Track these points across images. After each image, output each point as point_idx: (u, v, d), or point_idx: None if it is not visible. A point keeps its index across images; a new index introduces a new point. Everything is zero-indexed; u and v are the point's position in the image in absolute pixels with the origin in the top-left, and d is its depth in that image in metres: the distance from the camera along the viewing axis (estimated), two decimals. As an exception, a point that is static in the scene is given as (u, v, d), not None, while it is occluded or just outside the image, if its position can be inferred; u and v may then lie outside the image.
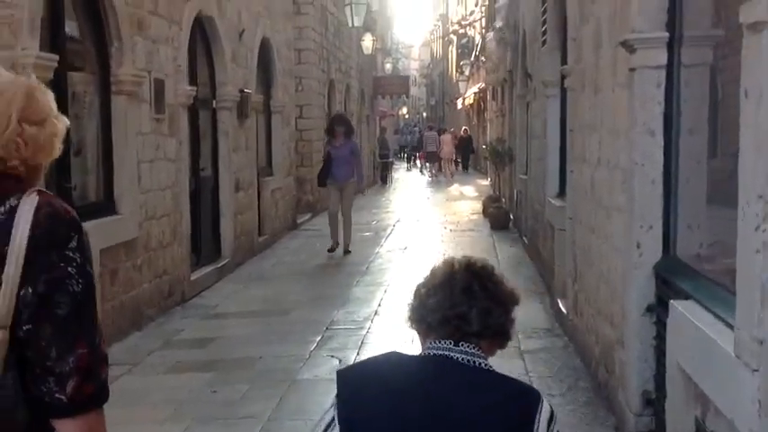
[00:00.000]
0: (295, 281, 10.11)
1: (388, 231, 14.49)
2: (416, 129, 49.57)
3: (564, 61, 8.35)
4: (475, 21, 32.43)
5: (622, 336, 4.74)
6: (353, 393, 1.83)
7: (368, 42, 21.96)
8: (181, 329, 7.74)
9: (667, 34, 4.30)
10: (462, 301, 1.85)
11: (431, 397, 1.78)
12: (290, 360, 6.61)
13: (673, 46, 4.30)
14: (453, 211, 17.77)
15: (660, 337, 4.26)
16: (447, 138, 30.92)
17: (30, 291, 1.59)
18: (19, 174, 1.69)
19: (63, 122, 1.78)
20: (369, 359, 2.03)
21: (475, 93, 31.05)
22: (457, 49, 40.02)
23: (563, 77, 8.23)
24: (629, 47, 4.40)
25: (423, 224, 15.58)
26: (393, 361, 1.92)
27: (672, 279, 4.14)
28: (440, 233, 14.10)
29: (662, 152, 4.33)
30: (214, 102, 10.35)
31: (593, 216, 5.79)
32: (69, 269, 1.63)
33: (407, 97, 46.24)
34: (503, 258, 11.08)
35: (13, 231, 1.59)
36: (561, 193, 8.55)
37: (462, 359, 1.83)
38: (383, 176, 27.71)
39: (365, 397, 1.82)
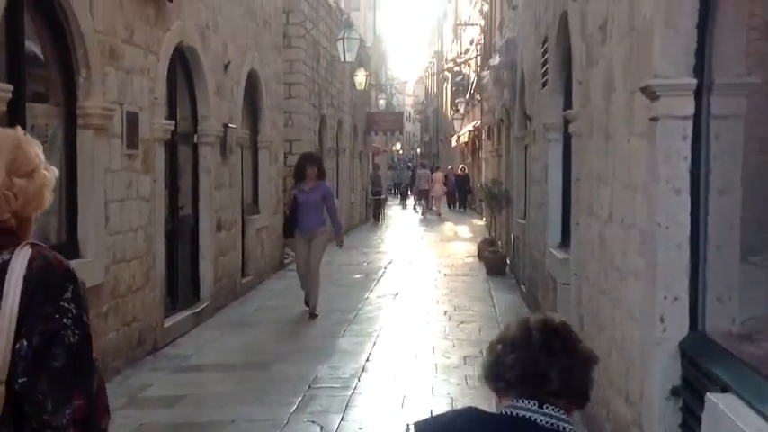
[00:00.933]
0: (278, 328, 9.48)
1: (380, 274, 13.88)
2: (410, 165, 49.14)
3: (567, 104, 7.84)
4: (470, 59, 32.12)
5: (640, 417, 4.14)
6: None
7: (361, 78, 21.46)
8: (149, 384, 7.09)
9: (695, 81, 3.77)
10: (542, 359, 1.80)
11: None
12: (266, 425, 5.98)
13: (701, 94, 3.77)
14: (447, 252, 17.18)
15: (688, 427, 3.67)
16: (438, 176, 31.53)
17: (25, 344, 1.62)
18: (10, 226, 1.73)
19: (52, 173, 1.84)
20: (446, 413, 1.98)
21: (470, 131, 30.63)
22: (452, 87, 39.72)
23: (566, 122, 7.72)
24: (650, 93, 3.86)
25: (415, 266, 14.98)
26: (472, 418, 1.86)
27: (702, 362, 3.56)
28: (433, 277, 13.50)
29: (689, 214, 3.77)
30: (195, 136, 9.80)
31: (603, 276, 5.21)
32: (65, 320, 1.66)
33: (401, 134, 45.89)
34: (500, 307, 10.48)
35: (6, 285, 1.63)
36: (563, 243, 8.00)
37: (547, 422, 1.77)
38: (376, 214, 27.14)
39: None
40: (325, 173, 10.57)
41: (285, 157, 15.70)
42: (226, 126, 10.47)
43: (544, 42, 8.92)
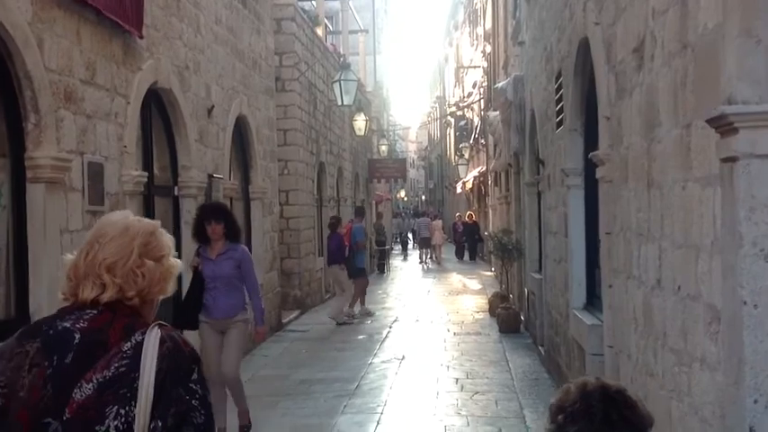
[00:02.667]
0: (269, 405, 8.34)
1: (384, 334, 12.80)
2: (406, 213, 48.12)
3: (589, 146, 6.91)
4: (473, 102, 31.39)
5: None
6: None
7: (361, 123, 20.52)
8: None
9: (787, 106, 2.82)
10: (603, 430, 1.83)
11: None
12: None
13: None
14: (456, 308, 16.10)
15: None
16: (438, 223, 31.27)
17: (159, 424, 1.74)
18: (134, 305, 1.90)
19: (178, 264, 2.03)
20: None
21: (475, 177, 29.70)
22: (455, 132, 38.99)
23: (589, 165, 6.78)
24: (724, 125, 2.91)
25: (422, 325, 13.86)
26: None
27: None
28: (442, 337, 12.41)
29: (786, 287, 2.79)
30: (176, 188, 8.88)
31: (651, 356, 4.21)
32: (193, 401, 1.78)
33: (404, 180, 45.08)
34: (517, 373, 9.42)
35: (141, 368, 1.76)
36: (590, 305, 7.01)
37: None
38: (380, 265, 26.09)
39: None
40: (239, 230, 7.20)
41: (281, 209, 14.81)
42: (211, 176, 9.56)
43: (558, 78, 8.03)
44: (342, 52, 21.40)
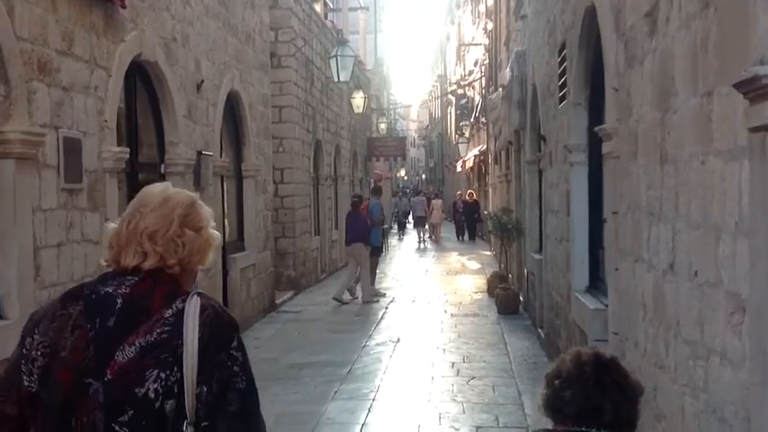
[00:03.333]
0: (260, 389, 8.06)
1: (380, 315, 12.48)
2: (407, 192, 47.60)
3: (594, 120, 6.56)
4: (474, 80, 30.94)
5: None
6: None
7: (359, 100, 20.01)
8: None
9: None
10: (596, 395, 1.97)
11: None
12: None
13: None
14: (454, 288, 15.78)
15: None
16: (437, 203, 30.94)
17: (205, 389, 1.79)
18: (174, 273, 1.93)
19: (217, 235, 2.06)
20: None
21: (475, 155, 29.27)
22: (456, 110, 38.54)
23: (593, 140, 6.44)
24: (756, 90, 2.55)
25: (419, 305, 13.55)
26: None
27: None
28: (439, 318, 12.09)
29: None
30: (162, 166, 8.52)
31: (662, 346, 3.88)
32: (235, 368, 1.84)
33: (404, 159, 44.71)
34: (515, 356, 9.12)
35: (184, 335, 1.81)
36: (593, 288, 6.69)
37: None
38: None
39: None
40: None
41: (276, 187, 14.46)
42: (200, 153, 9.20)
43: (561, 50, 7.66)
44: (341, 29, 20.92)
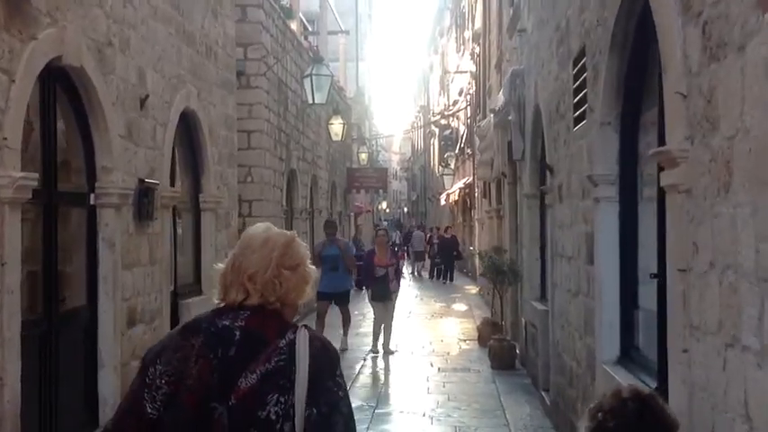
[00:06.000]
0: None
1: (357, 369, 10.83)
2: (384, 223, 46.04)
3: (628, 144, 5.16)
4: (459, 110, 29.71)
5: None
6: None
7: (337, 127, 18.48)
8: None
9: None
10: (638, 427, 2.08)
11: None
12: None
13: None
14: (440, 334, 14.23)
15: None
16: (419, 234, 30.69)
17: (314, 411, 1.98)
18: (275, 309, 2.15)
19: (313, 271, 2.26)
20: None
21: (460, 188, 27.85)
22: (440, 141, 37.32)
23: (625, 171, 5.06)
24: None
25: (402, 356, 11.96)
26: None
27: None
28: (425, 374, 10.52)
29: None
30: (92, 196, 7.02)
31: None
32: (340, 393, 2.06)
33: (385, 191, 43.30)
34: (516, 427, 7.63)
35: (297, 363, 2.02)
36: (625, 357, 5.23)
37: None
38: (358, 281, 24.14)
39: None
40: None
41: (243, 221, 12.95)
42: (142, 182, 7.70)
43: (577, 60, 6.28)
44: (318, 50, 19.56)
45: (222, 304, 2.20)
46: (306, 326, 2.15)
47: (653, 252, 4.73)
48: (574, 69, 6.44)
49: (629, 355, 5.21)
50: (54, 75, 6.24)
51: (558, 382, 7.50)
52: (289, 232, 2.25)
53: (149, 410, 2.04)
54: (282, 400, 1.97)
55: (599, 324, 5.44)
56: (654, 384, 4.44)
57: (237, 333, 2.06)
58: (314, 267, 2.26)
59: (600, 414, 2.13)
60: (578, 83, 6.25)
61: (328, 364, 2.06)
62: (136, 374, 2.12)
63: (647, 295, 4.99)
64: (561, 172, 7.31)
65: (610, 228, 5.36)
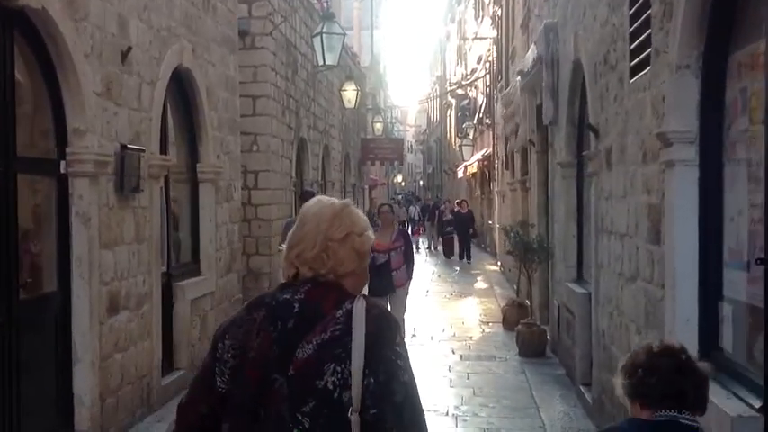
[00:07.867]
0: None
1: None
2: (399, 197, 44.94)
3: (713, 92, 4.11)
4: (478, 78, 28.49)
5: None
6: None
7: (350, 93, 17.34)
8: None
9: None
10: (678, 380, 2.31)
11: None
12: None
13: None
14: (460, 316, 13.22)
15: None
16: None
17: (372, 380, 1.95)
18: (329, 280, 2.11)
19: (368, 239, 2.19)
20: (617, 424, 2.64)
21: (479, 160, 26.66)
22: (456, 113, 36.11)
23: (707, 127, 4.01)
24: None
25: (419, 342, 10.87)
26: (639, 423, 2.37)
27: None
28: (446, 362, 9.50)
29: None
30: (63, 164, 6.03)
31: None
32: (399, 362, 1.99)
33: (401, 163, 42.18)
34: (554, 428, 6.65)
35: (354, 331, 1.98)
36: (707, 352, 4.19)
37: (687, 424, 2.32)
38: (371, 258, 23.18)
39: None
40: None
41: (248, 194, 11.98)
42: (125, 147, 6.69)
43: None
44: (330, 6, 18.39)
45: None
46: (364, 296, 2.11)
47: (744, 229, 3.72)
48: (631, 9, 5.36)
49: (709, 357, 4.17)
50: (12, 18, 5.24)
51: (603, 379, 6.48)
52: (339, 202, 2.22)
53: (219, 384, 2.08)
54: (339, 369, 1.96)
55: (671, 317, 4.40)
56: (758, 403, 3.43)
57: (296, 305, 2.07)
58: (369, 235, 2.20)
59: (640, 371, 2.32)
60: (638, 24, 5.18)
61: (387, 333, 2.02)
62: (208, 351, 2.14)
63: (737, 283, 3.97)
64: (611, 133, 6.24)
65: (687, 198, 4.30)
